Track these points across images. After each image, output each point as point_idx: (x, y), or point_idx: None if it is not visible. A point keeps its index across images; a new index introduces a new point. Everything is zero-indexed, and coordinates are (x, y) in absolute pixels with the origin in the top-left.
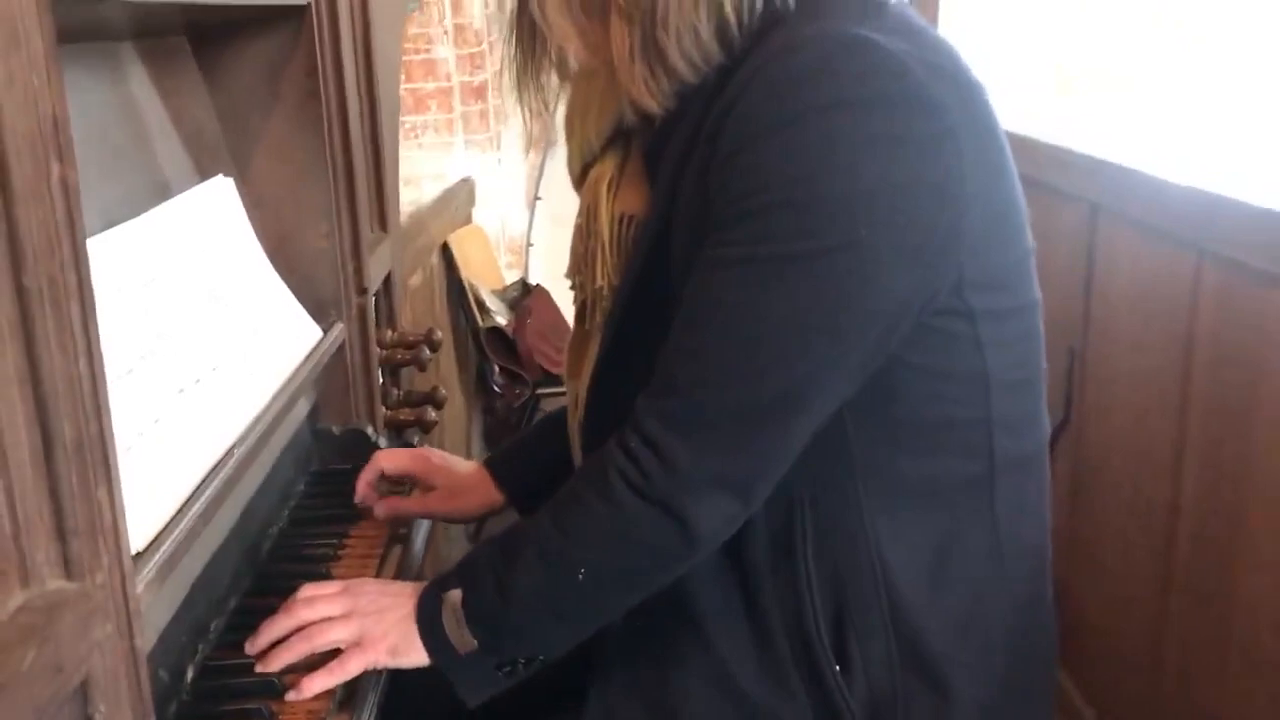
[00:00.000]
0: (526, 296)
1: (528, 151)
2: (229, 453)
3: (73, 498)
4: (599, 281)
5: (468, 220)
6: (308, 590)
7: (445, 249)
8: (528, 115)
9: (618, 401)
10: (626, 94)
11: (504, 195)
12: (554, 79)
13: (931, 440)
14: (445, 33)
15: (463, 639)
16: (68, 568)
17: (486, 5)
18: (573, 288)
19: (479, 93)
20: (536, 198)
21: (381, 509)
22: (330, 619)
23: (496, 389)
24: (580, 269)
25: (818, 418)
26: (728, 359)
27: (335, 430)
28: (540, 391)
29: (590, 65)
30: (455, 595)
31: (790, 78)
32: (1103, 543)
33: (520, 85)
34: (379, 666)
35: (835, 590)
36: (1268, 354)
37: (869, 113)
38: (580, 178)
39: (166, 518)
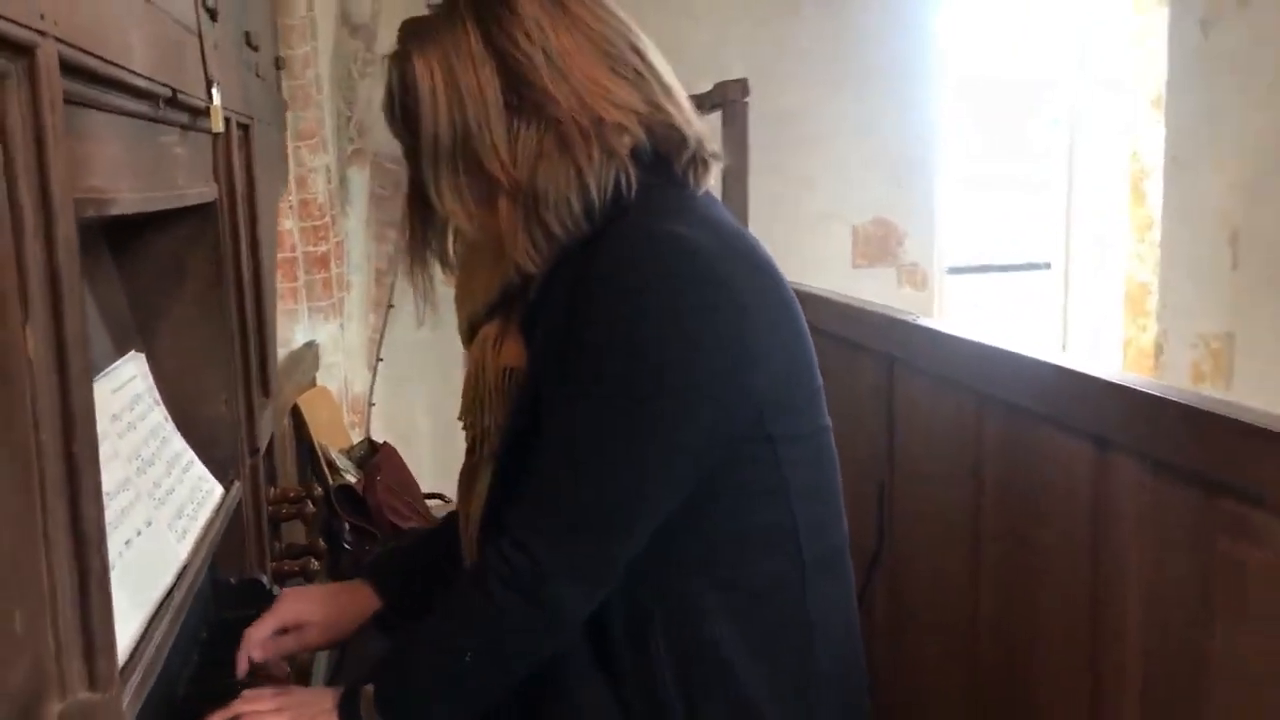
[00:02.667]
0: (374, 455)
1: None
2: (168, 597)
3: (100, 623)
4: (486, 422)
5: (313, 383)
6: (247, 693)
7: (295, 411)
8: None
9: (506, 520)
10: (512, 260)
11: (347, 358)
12: (438, 267)
13: (748, 544)
14: (291, 207)
15: None
16: (93, 681)
17: (330, 181)
18: (465, 427)
19: (322, 262)
20: (378, 359)
21: (259, 656)
22: (264, 712)
23: (347, 546)
24: (471, 411)
25: (648, 523)
26: (570, 479)
27: (233, 580)
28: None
29: (478, 241)
30: (370, 688)
31: (619, 267)
32: (921, 653)
33: (413, 266)
34: None
35: (682, 667)
36: (1043, 485)
37: (673, 292)
38: (469, 337)
39: (128, 652)
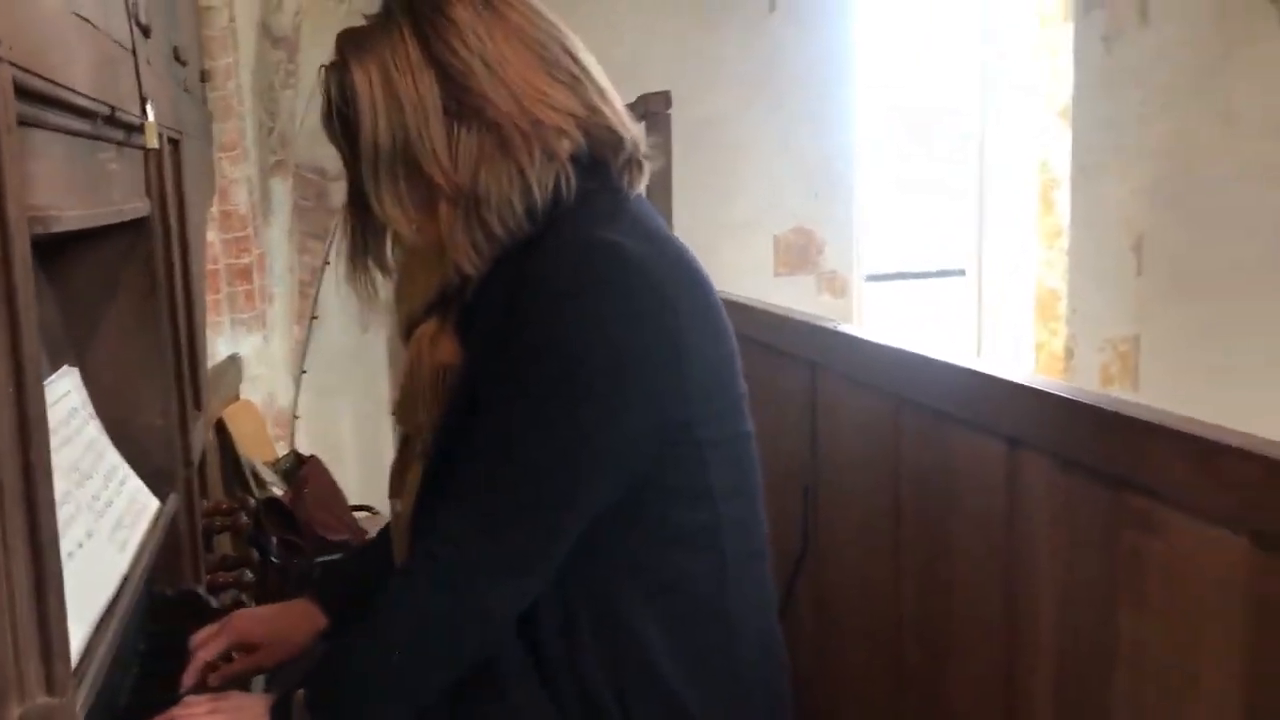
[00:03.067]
0: (300, 468)
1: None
2: (111, 608)
3: (56, 628)
4: (420, 418)
5: (237, 396)
6: (186, 699)
7: (220, 424)
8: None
9: (436, 516)
10: (452, 262)
11: (271, 371)
12: (377, 271)
13: (674, 545)
14: (212, 218)
15: None
16: (50, 685)
17: (251, 193)
18: (398, 423)
19: (245, 274)
20: (302, 371)
21: (214, 680)
22: (199, 715)
23: (274, 560)
24: (405, 407)
25: (577, 522)
26: (501, 478)
27: (169, 592)
28: (319, 560)
29: (417, 245)
30: (301, 693)
31: (555, 272)
32: (845, 658)
33: (354, 271)
34: None
35: (611, 665)
36: (958, 483)
37: (607, 299)
38: (406, 335)
39: (75, 662)
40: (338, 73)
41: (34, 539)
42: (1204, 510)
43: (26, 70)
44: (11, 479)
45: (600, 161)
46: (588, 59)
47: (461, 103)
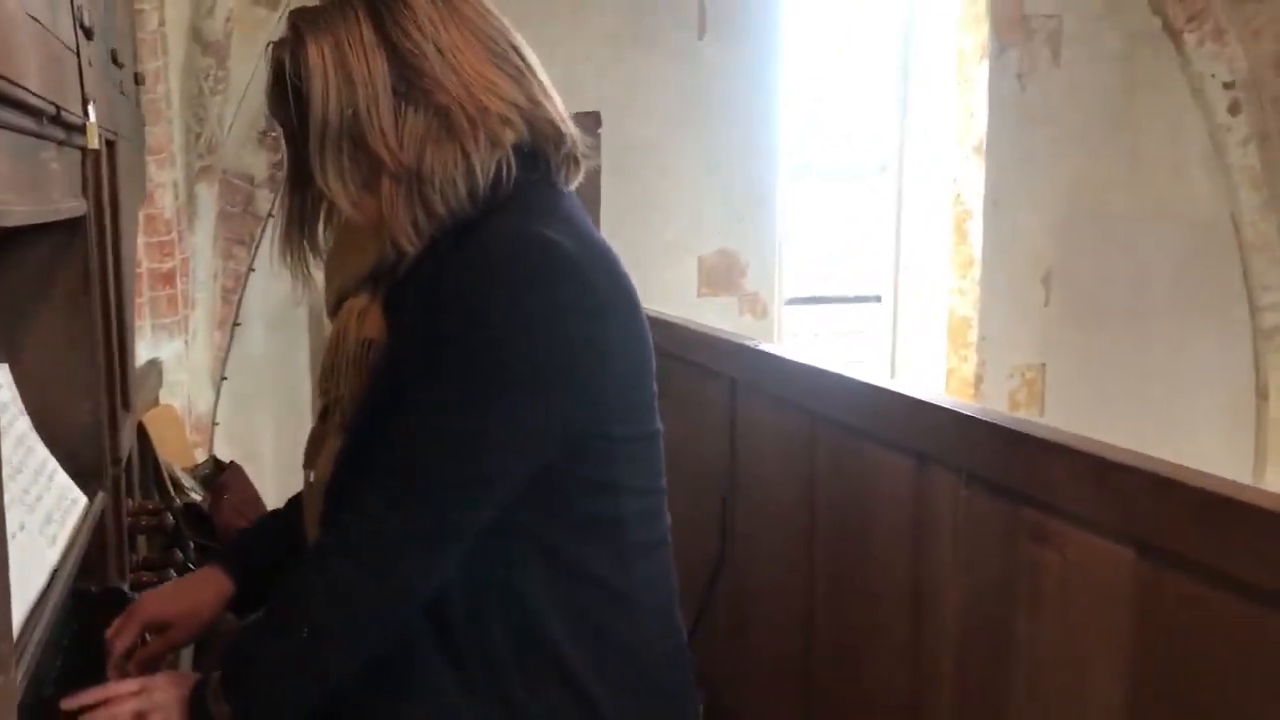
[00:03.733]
0: (220, 473)
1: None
2: (41, 601)
3: (3, 604)
4: (340, 390)
5: (156, 401)
6: (110, 685)
7: (140, 428)
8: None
9: (351, 490)
10: (391, 238)
11: (191, 376)
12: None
13: (579, 532)
14: (136, 222)
15: (220, 709)
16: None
17: (177, 198)
18: (319, 393)
19: (168, 278)
20: (223, 377)
21: (134, 668)
22: (124, 697)
23: (191, 567)
24: (327, 378)
25: (490, 501)
26: (417, 453)
27: (94, 589)
28: None
29: (355, 221)
30: (217, 675)
31: (488, 262)
32: (758, 660)
33: (287, 248)
34: None
35: (517, 648)
36: (869, 496)
37: (532, 289)
38: (335, 309)
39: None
40: (292, 47)
41: None
42: (1094, 523)
43: None
44: None
45: (540, 154)
46: (532, 57)
47: (411, 84)
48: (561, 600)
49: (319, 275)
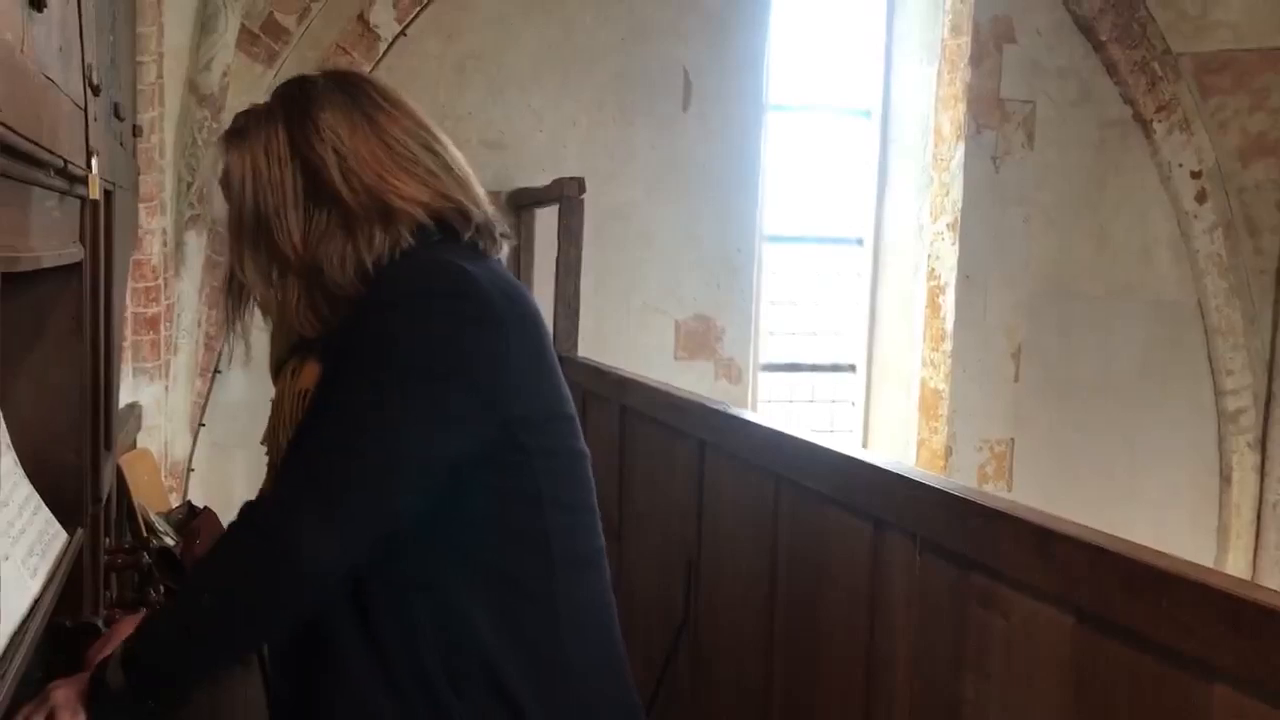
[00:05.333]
0: (193, 518)
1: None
2: (19, 634)
3: None
4: (280, 441)
5: (134, 445)
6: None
7: (117, 471)
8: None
9: None
10: (295, 325)
11: (169, 421)
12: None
13: (505, 542)
14: (128, 268)
15: (116, 676)
16: None
17: (165, 245)
18: (266, 451)
19: (152, 323)
20: (200, 424)
21: None
22: (30, 713)
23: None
24: (270, 436)
25: (388, 491)
26: (320, 443)
27: (69, 623)
28: None
29: (269, 308)
30: (119, 650)
31: (395, 281)
32: (719, 717)
33: (230, 320)
34: None
35: (443, 651)
36: (828, 559)
37: (436, 299)
38: (276, 374)
39: None
40: (223, 153)
41: None
42: (1037, 589)
43: (13, 130)
44: None
45: (449, 232)
46: (451, 155)
47: (318, 189)
48: (490, 608)
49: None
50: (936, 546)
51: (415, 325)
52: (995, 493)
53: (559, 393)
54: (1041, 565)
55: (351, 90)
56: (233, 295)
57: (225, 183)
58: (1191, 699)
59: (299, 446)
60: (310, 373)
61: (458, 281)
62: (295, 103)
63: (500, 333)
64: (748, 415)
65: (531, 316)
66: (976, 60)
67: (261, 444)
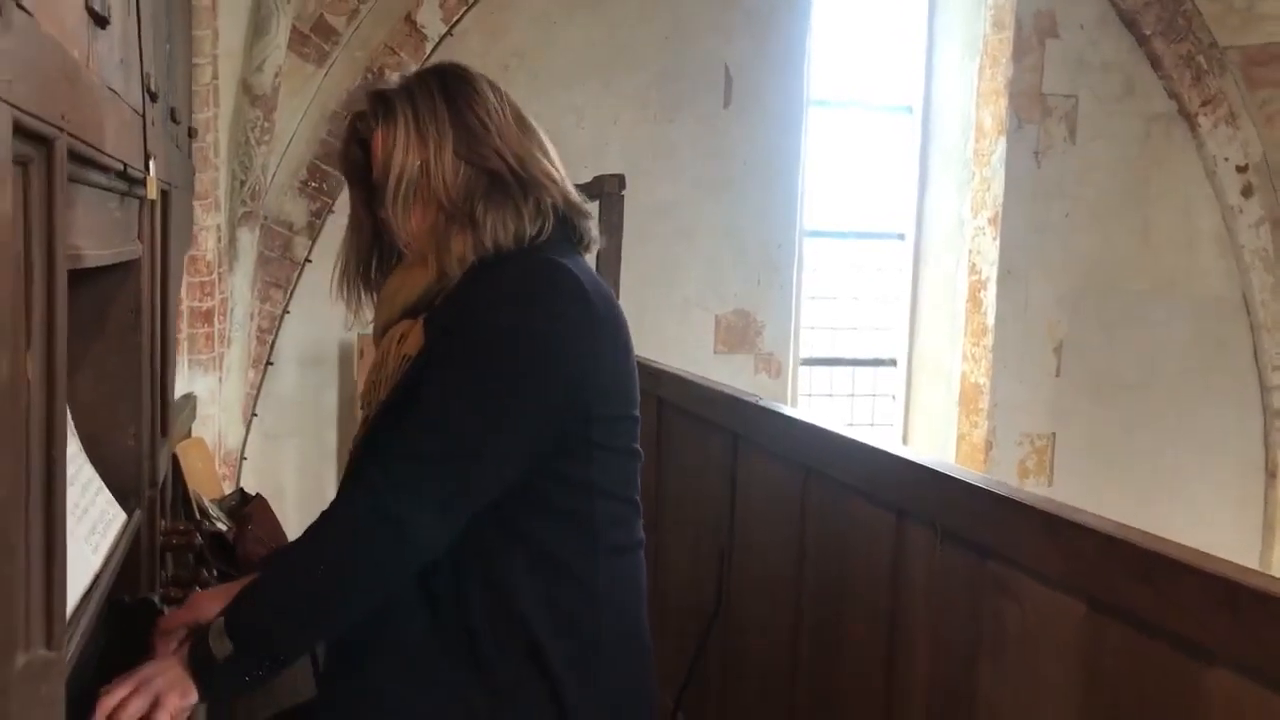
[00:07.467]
0: (246, 505)
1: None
2: (83, 605)
3: (58, 590)
4: (380, 399)
5: (189, 434)
6: (107, 689)
7: (172, 458)
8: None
9: (365, 467)
10: (442, 262)
11: (223, 412)
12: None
13: (556, 523)
14: (182, 264)
15: (221, 646)
16: (50, 640)
17: (219, 240)
18: (361, 408)
19: (206, 317)
20: (253, 414)
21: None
22: (127, 699)
23: None
24: (369, 394)
25: (489, 480)
26: (427, 424)
27: (127, 599)
28: None
29: (411, 250)
30: (221, 619)
31: (504, 279)
32: (748, 709)
33: (345, 280)
34: (185, 709)
35: (492, 613)
36: (853, 548)
37: (541, 298)
38: (381, 334)
39: None
40: (382, 112)
41: (49, 513)
42: (1049, 577)
43: (79, 139)
44: (38, 467)
45: (569, 220)
46: (553, 151)
47: (470, 149)
48: (535, 586)
49: (368, 310)
50: (955, 535)
51: (519, 325)
52: (1034, 488)
53: (632, 395)
54: (1053, 552)
55: (482, 80)
56: (349, 265)
57: (376, 149)
58: (1201, 686)
59: (411, 428)
60: (415, 339)
61: (566, 284)
62: (442, 78)
63: (599, 335)
64: (779, 408)
65: (621, 320)
66: (1019, 55)
67: (358, 398)
